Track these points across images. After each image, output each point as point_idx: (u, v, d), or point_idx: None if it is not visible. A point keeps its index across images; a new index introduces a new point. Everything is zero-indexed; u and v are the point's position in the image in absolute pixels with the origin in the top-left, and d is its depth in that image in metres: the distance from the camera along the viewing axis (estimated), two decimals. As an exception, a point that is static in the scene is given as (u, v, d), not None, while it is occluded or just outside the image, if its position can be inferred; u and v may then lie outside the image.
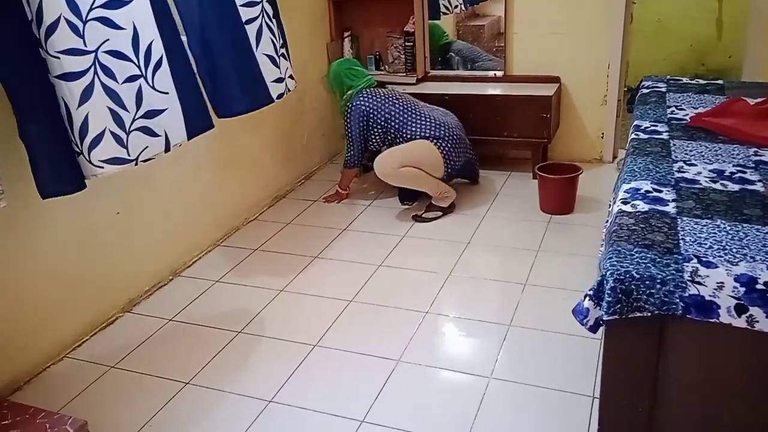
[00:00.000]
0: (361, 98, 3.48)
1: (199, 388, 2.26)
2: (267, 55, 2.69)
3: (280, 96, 2.78)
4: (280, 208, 3.73)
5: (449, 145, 3.37)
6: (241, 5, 2.56)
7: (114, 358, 2.44)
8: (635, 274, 1.45)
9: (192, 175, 3.12)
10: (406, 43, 4.09)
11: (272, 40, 2.73)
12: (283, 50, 2.83)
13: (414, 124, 3.39)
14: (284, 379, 2.26)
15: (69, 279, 2.50)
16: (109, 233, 2.66)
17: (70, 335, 2.53)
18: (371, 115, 3.44)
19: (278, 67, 2.76)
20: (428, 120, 3.40)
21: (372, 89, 3.53)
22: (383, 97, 3.48)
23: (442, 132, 3.37)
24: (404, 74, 4.14)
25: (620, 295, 1.45)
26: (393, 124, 3.41)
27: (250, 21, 2.60)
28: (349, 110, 3.49)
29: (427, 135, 3.35)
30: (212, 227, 3.30)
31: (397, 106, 3.45)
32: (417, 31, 4.03)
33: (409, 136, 3.38)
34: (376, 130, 3.45)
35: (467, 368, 2.27)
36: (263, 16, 2.67)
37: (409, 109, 3.45)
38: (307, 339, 2.47)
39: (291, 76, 2.88)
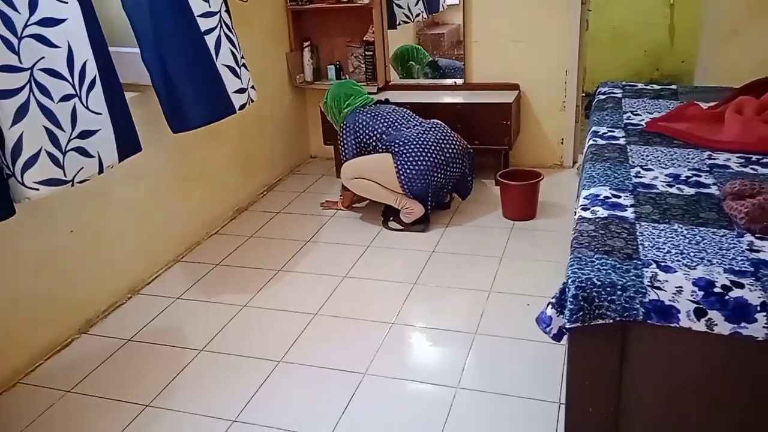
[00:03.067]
0: (354, 116, 3.45)
1: (159, 410, 2.19)
2: (227, 66, 2.65)
3: (242, 107, 2.74)
4: (243, 222, 3.67)
5: (408, 161, 3.21)
6: (198, 15, 2.51)
7: (70, 383, 2.35)
8: (596, 281, 1.45)
9: (150, 191, 3.05)
10: (366, 53, 4.09)
11: (232, 51, 2.69)
12: (243, 61, 2.79)
13: (390, 138, 3.31)
14: (248, 397, 2.21)
15: (21, 300, 2.40)
16: (63, 252, 2.57)
17: (24, 360, 2.43)
18: (360, 132, 3.39)
19: (239, 78, 2.72)
20: (400, 135, 3.30)
21: (368, 107, 3.49)
22: (374, 115, 3.41)
23: (405, 148, 3.23)
24: (365, 83, 4.13)
25: (582, 303, 1.45)
26: (380, 138, 3.33)
27: (208, 32, 2.55)
28: (342, 129, 3.46)
29: (393, 149, 3.28)
30: (172, 243, 3.23)
31: (385, 121, 3.37)
32: (377, 41, 4.03)
33: (385, 150, 3.32)
34: (369, 146, 3.38)
35: (434, 379, 2.25)
36: (221, 26, 2.62)
37: (395, 123, 3.37)
38: (272, 355, 2.43)
39: (253, 87, 2.84)
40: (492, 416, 2.06)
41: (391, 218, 3.41)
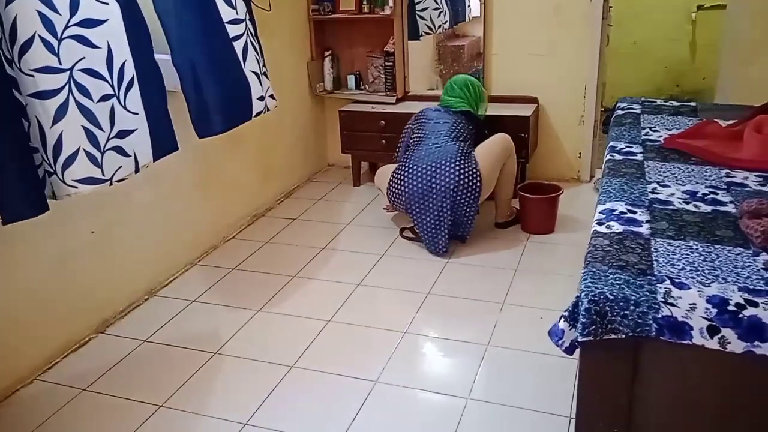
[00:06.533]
0: (428, 109, 3.49)
1: (172, 410, 2.22)
2: (253, 72, 2.69)
3: (258, 114, 2.77)
4: (259, 227, 3.71)
5: (395, 178, 3.26)
6: (227, 22, 2.55)
7: (86, 381, 2.39)
8: (609, 296, 1.45)
9: (169, 194, 3.09)
10: (386, 63, 4.12)
11: (256, 58, 2.73)
12: (265, 69, 2.83)
13: (407, 150, 3.39)
14: (260, 401, 2.23)
15: (41, 299, 2.45)
16: (83, 253, 2.62)
17: (42, 357, 2.48)
18: (413, 126, 3.46)
19: (261, 85, 2.76)
20: (410, 151, 3.32)
21: (443, 110, 3.44)
22: (430, 116, 3.42)
23: (399, 165, 3.29)
24: (384, 94, 4.17)
25: (595, 317, 1.45)
26: (412, 141, 3.40)
27: (236, 38, 2.60)
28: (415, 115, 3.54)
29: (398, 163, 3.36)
30: (190, 246, 3.27)
31: (423, 128, 3.37)
32: (397, 51, 4.06)
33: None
34: (408, 144, 3.45)
35: (445, 389, 2.26)
36: (247, 33, 2.67)
37: (424, 136, 3.32)
38: (284, 360, 2.45)
39: (272, 96, 2.88)
40: (502, 428, 2.06)
41: (407, 228, 3.43)
